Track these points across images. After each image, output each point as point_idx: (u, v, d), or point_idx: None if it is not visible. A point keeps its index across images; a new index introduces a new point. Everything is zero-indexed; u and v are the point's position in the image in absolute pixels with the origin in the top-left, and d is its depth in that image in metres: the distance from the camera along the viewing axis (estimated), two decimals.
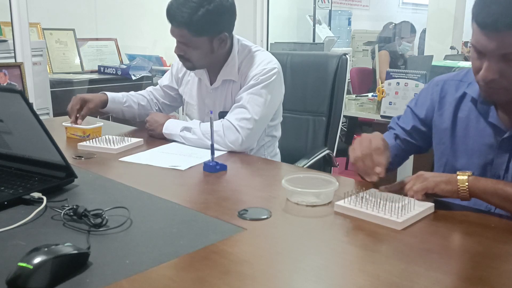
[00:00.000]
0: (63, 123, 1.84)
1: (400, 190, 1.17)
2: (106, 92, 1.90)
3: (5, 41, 2.89)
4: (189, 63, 1.71)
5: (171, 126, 1.74)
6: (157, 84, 2.03)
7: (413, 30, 4.94)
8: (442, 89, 1.32)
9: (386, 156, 1.17)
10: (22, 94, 1.14)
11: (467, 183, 1.09)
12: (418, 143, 1.38)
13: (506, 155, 1.19)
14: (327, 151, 1.99)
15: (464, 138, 1.26)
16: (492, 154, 1.21)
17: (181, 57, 1.71)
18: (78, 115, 1.81)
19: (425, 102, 1.35)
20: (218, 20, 1.64)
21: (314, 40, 5.55)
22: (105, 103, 1.88)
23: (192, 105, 1.88)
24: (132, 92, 1.99)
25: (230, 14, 1.67)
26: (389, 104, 2.94)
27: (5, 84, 2.72)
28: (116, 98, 1.91)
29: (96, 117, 2.00)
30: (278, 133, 1.90)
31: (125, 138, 1.69)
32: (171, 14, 1.62)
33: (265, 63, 1.71)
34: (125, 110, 1.94)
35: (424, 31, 5.60)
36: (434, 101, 1.33)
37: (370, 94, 4.09)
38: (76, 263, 0.82)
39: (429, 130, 1.35)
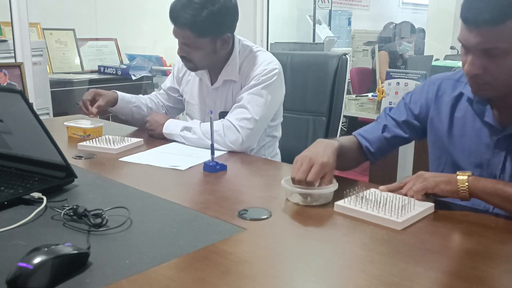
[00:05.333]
0: (65, 123, 1.84)
1: (400, 190, 1.17)
2: (117, 91, 1.88)
3: (5, 41, 2.89)
4: (191, 64, 1.71)
5: (171, 126, 1.74)
6: (155, 86, 2.03)
7: (413, 30, 4.94)
8: (439, 88, 1.32)
9: (328, 180, 1.16)
10: (22, 94, 1.14)
11: (467, 183, 1.09)
12: (407, 135, 1.38)
13: (502, 154, 1.19)
14: None
15: (461, 137, 1.26)
16: (489, 154, 1.21)
17: (183, 58, 1.71)
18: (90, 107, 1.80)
19: (419, 99, 1.35)
20: (221, 21, 1.63)
21: (314, 40, 5.55)
22: (115, 101, 1.87)
23: (193, 104, 1.88)
24: (140, 95, 1.97)
25: (233, 15, 1.67)
26: (389, 104, 2.94)
27: (5, 84, 2.72)
28: (126, 97, 1.89)
29: (97, 117, 1.99)
30: (279, 133, 1.90)
31: (125, 138, 1.70)
32: (175, 15, 1.61)
33: (266, 63, 1.71)
34: (134, 111, 1.91)
35: (420, 31, 5.59)
36: (429, 100, 1.33)
37: (370, 94, 4.09)
38: (76, 263, 0.82)
39: (422, 125, 1.36)
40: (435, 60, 3.95)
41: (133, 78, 3.76)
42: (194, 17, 1.58)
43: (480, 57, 1.08)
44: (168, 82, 1.96)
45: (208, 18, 1.59)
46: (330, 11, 6.29)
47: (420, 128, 1.36)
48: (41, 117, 1.19)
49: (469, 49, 1.09)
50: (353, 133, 1.42)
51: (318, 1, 5.77)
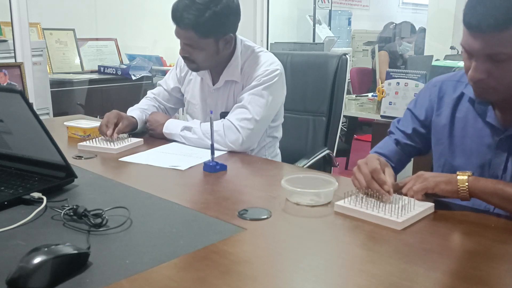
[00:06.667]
0: (65, 123, 1.84)
1: (400, 190, 1.17)
2: (134, 116, 1.81)
3: (5, 41, 2.89)
4: (194, 64, 1.70)
5: (171, 126, 1.74)
6: (155, 86, 1.99)
7: (413, 30, 4.94)
8: (440, 89, 1.32)
9: (388, 173, 1.16)
10: (22, 94, 1.14)
11: (467, 183, 1.09)
12: (419, 146, 1.38)
13: (504, 155, 1.19)
14: (327, 151, 1.99)
15: (462, 138, 1.26)
16: (490, 154, 1.21)
17: (186, 58, 1.70)
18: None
19: (423, 104, 1.35)
20: (224, 21, 1.63)
21: (314, 40, 5.55)
22: (134, 125, 1.80)
23: (194, 104, 1.88)
24: (143, 105, 1.91)
25: (235, 15, 1.67)
26: (389, 104, 2.94)
27: (5, 84, 2.72)
28: (141, 119, 1.84)
29: (96, 117, 1.99)
30: (279, 134, 1.90)
31: (125, 138, 1.69)
32: (177, 16, 1.60)
33: (268, 64, 1.71)
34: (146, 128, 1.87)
35: (420, 31, 5.60)
36: (432, 102, 1.33)
37: (370, 94, 4.09)
38: (76, 263, 0.82)
39: (429, 132, 1.35)
40: (435, 60, 3.94)
41: (133, 78, 3.76)
42: (198, 18, 1.58)
43: (484, 62, 1.07)
44: (171, 83, 1.93)
45: (212, 18, 1.58)
46: (330, 11, 6.29)
47: (427, 136, 1.35)
48: (41, 117, 1.19)
49: (473, 55, 1.09)
50: (370, 152, 1.40)
51: (318, 1, 5.77)
